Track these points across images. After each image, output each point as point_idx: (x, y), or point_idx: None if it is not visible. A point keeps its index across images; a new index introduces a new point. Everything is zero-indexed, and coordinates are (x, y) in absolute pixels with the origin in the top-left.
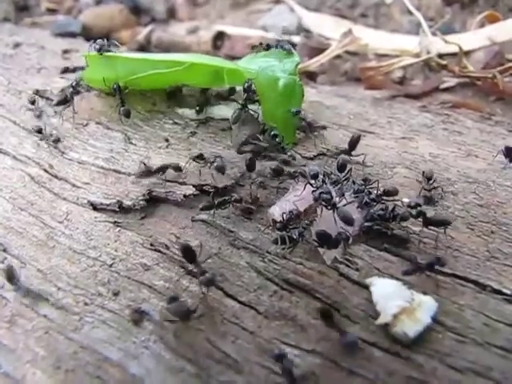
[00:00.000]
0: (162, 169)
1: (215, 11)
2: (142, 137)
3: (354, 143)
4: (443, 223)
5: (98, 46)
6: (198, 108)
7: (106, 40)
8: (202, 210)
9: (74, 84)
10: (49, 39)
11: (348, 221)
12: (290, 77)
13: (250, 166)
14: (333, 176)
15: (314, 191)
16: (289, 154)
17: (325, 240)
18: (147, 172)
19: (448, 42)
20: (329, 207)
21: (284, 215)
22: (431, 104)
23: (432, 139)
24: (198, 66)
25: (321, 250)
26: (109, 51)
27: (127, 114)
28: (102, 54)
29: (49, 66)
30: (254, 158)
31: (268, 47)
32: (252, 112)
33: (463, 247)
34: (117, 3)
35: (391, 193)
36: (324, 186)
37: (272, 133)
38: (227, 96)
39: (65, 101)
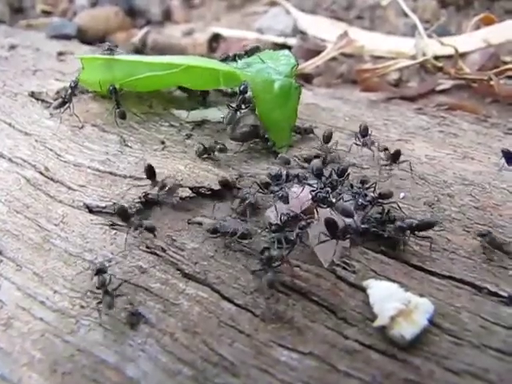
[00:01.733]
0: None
1: (211, 13)
2: (137, 139)
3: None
4: (429, 226)
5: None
6: (201, 99)
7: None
8: (209, 232)
9: (72, 85)
10: (44, 41)
11: (347, 213)
12: (285, 79)
13: (266, 186)
14: (331, 179)
15: (312, 191)
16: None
17: (333, 228)
18: None
19: (444, 44)
20: (325, 206)
21: (281, 217)
22: (427, 106)
23: (428, 141)
24: (195, 69)
25: (318, 252)
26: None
27: (123, 116)
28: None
29: (44, 68)
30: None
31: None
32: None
33: (459, 249)
34: (112, 5)
35: (386, 195)
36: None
37: (265, 136)
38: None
39: (63, 103)
